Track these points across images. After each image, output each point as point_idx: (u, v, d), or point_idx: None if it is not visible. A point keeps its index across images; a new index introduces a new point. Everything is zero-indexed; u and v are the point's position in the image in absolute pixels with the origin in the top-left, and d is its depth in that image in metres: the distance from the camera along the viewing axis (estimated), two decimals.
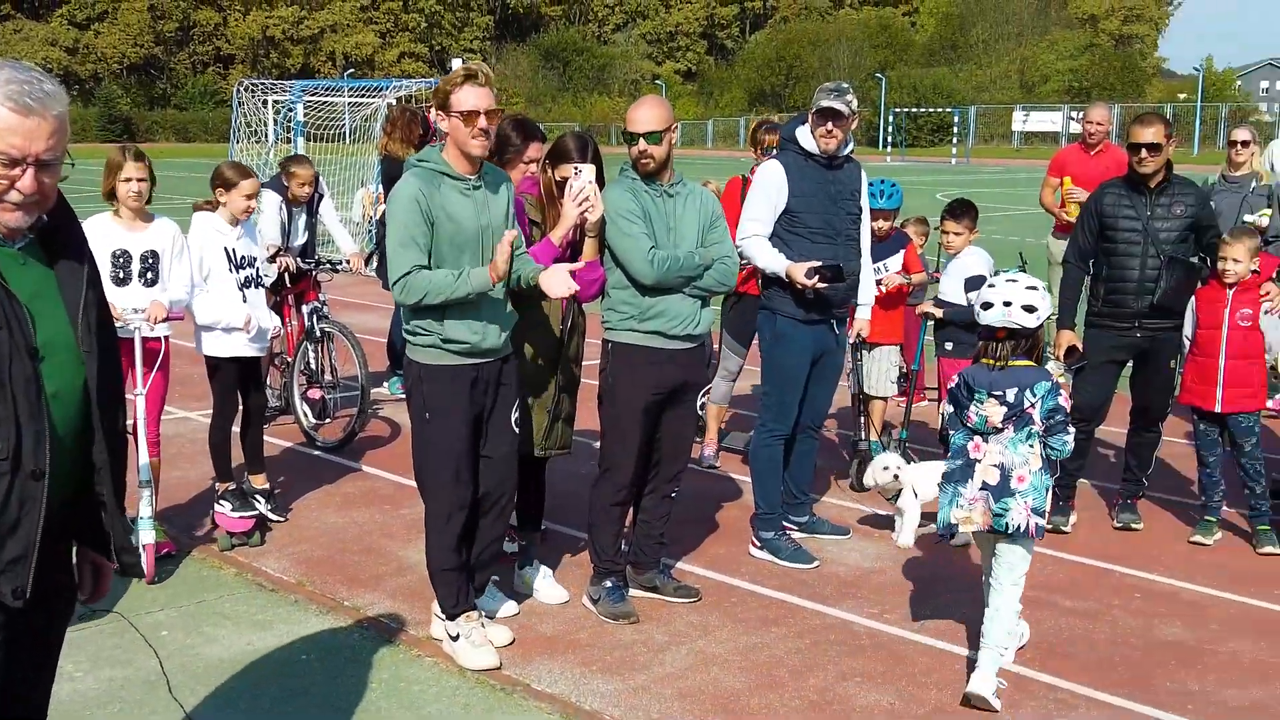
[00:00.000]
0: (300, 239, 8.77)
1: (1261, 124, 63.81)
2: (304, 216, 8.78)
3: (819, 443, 6.86)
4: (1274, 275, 6.89)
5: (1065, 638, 5.56)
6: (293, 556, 6.34)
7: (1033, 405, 4.84)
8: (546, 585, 5.86)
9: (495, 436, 5.13)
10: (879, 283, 7.45)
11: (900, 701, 4.86)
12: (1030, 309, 4.89)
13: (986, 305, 4.95)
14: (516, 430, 5.22)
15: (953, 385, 5.09)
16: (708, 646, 5.37)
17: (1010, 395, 4.86)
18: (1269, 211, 9.15)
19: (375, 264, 9.61)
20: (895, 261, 7.78)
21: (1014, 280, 4.95)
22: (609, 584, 5.68)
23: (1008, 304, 4.89)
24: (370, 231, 14.17)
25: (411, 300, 4.84)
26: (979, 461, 4.94)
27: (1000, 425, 4.87)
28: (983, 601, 5.10)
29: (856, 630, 5.59)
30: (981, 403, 4.90)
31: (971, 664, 5.11)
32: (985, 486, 4.92)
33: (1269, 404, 7.84)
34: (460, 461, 5.00)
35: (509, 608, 5.64)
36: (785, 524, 6.64)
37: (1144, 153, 6.66)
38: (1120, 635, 5.61)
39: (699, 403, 5.98)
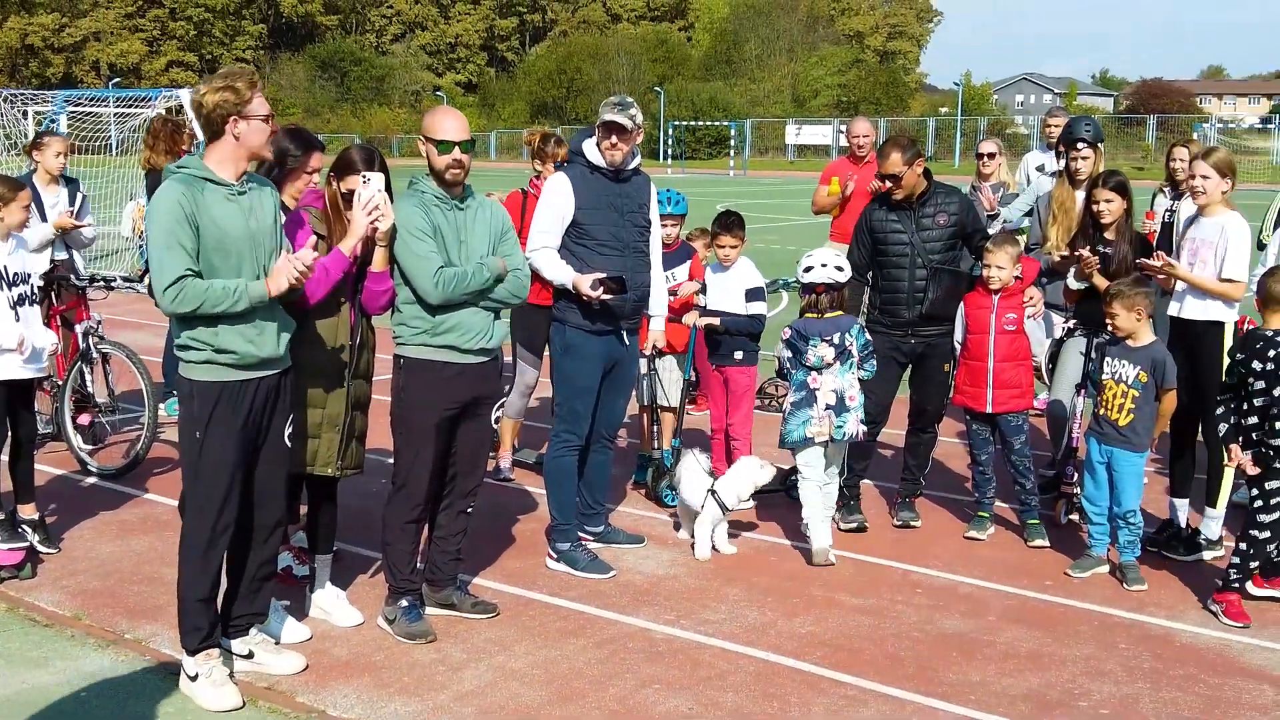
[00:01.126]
0: (61, 252, 8.48)
1: (1017, 136, 67.31)
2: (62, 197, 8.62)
3: (613, 452, 6.91)
4: (1036, 280, 7.28)
5: (852, 635, 5.74)
6: (68, 589, 6.03)
7: (851, 343, 6.73)
8: (340, 607, 5.73)
9: (268, 455, 4.99)
10: (673, 292, 7.56)
11: (699, 706, 4.94)
12: (840, 269, 6.78)
13: (808, 269, 6.75)
14: (289, 445, 5.09)
15: (787, 337, 6.82)
16: (507, 662, 5.34)
17: (835, 338, 6.72)
18: (1023, 208, 9.70)
19: (148, 282, 9.25)
20: (682, 271, 7.91)
21: (823, 250, 6.93)
22: (405, 603, 5.59)
23: (825, 265, 6.74)
24: (142, 247, 13.60)
25: (184, 309, 4.64)
26: (818, 390, 6.72)
27: (831, 361, 6.68)
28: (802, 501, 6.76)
29: (654, 637, 5.64)
30: (815, 346, 6.71)
31: (767, 665, 5.24)
32: (828, 407, 6.69)
33: (1035, 403, 8.26)
34: (231, 483, 4.83)
35: (301, 632, 5.49)
36: (581, 534, 6.67)
37: (888, 183, 7.08)
38: (904, 630, 5.83)
39: (493, 416, 5.96)
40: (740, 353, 7.57)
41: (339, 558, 6.10)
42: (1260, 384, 5.88)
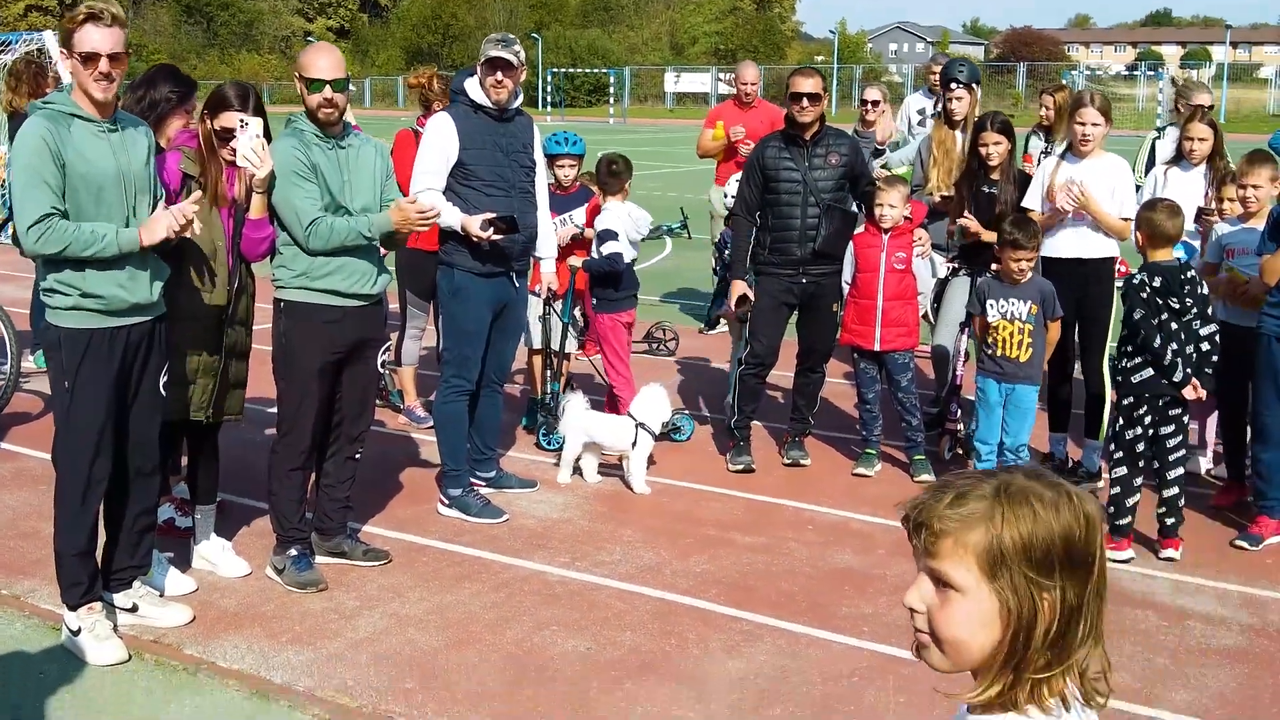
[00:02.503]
0: None
1: (892, 85, 68.01)
2: None
3: (503, 397, 6.83)
4: (923, 222, 7.35)
5: (746, 572, 5.77)
6: None
7: None
8: (226, 558, 5.59)
9: (142, 403, 4.81)
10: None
11: (597, 645, 4.92)
12: None
13: None
14: (163, 394, 4.92)
15: None
16: (401, 608, 5.27)
17: None
18: (905, 167, 9.77)
19: (11, 231, 8.87)
20: (580, 215, 7.81)
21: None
22: (294, 552, 5.47)
23: None
24: (4, 196, 13.05)
25: (50, 250, 4.42)
26: None
27: None
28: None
29: (550, 580, 5.61)
30: None
31: (663, 604, 5.26)
32: None
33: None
34: (103, 433, 4.65)
35: (186, 584, 5.35)
36: (473, 480, 6.59)
37: (805, 102, 6.97)
38: (797, 566, 5.88)
39: (379, 360, 5.84)
40: (595, 299, 7.50)
41: (223, 509, 5.94)
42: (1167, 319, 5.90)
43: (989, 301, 6.58)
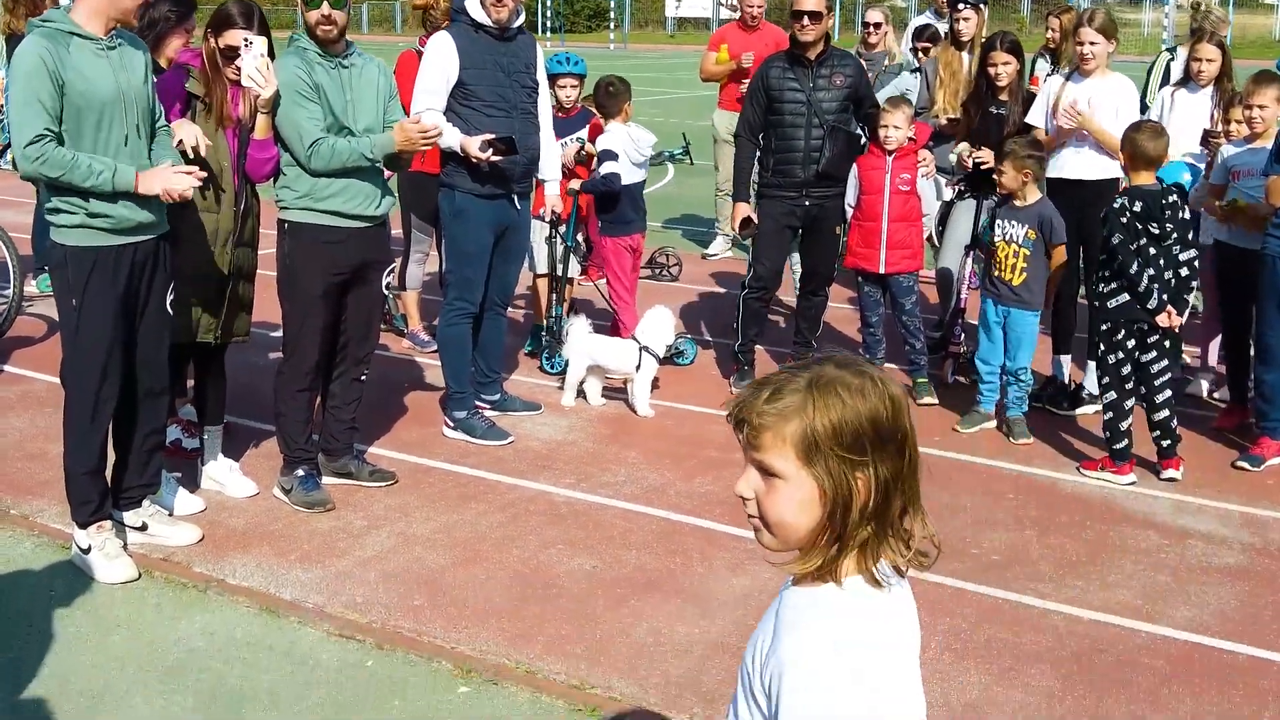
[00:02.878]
0: None
1: (895, 8, 67.24)
2: None
3: (507, 320, 6.83)
4: (928, 144, 7.30)
5: None
6: None
7: None
8: (233, 479, 5.62)
9: (149, 323, 4.81)
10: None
11: (603, 564, 4.97)
12: None
13: None
14: (170, 313, 4.93)
15: None
16: (408, 528, 5.30)
17: None
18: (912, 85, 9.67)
19: (10, 158, 8.81)
20: (582, 136, 7.75)
21: None
22: (301, 473, 5.50)
23: None
24: (4, 121, 12.95)
25: (47, 174, 4.39)
26: None
27: None
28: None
29: (555, 500, 5.65)
30: None
31: (668, 523, 5.31)
32: None
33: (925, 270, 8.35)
34: (110, 351, 4.64)
35: (195, 504, 5.38)
36: (477, 403, 6.61)
37: (806, 20, 6.90)
38: None
39: (384, 282, 5.82)
40: (599, 222, 7.48)
41: (230, 431, 5.96)
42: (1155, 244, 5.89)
43: (997, 223, 6.58)
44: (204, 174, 4.81)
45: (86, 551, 4.74)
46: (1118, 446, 5.97)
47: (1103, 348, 5.99)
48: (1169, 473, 6.00)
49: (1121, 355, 5.93)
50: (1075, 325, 7.21)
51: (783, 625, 1.74)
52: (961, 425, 6.70)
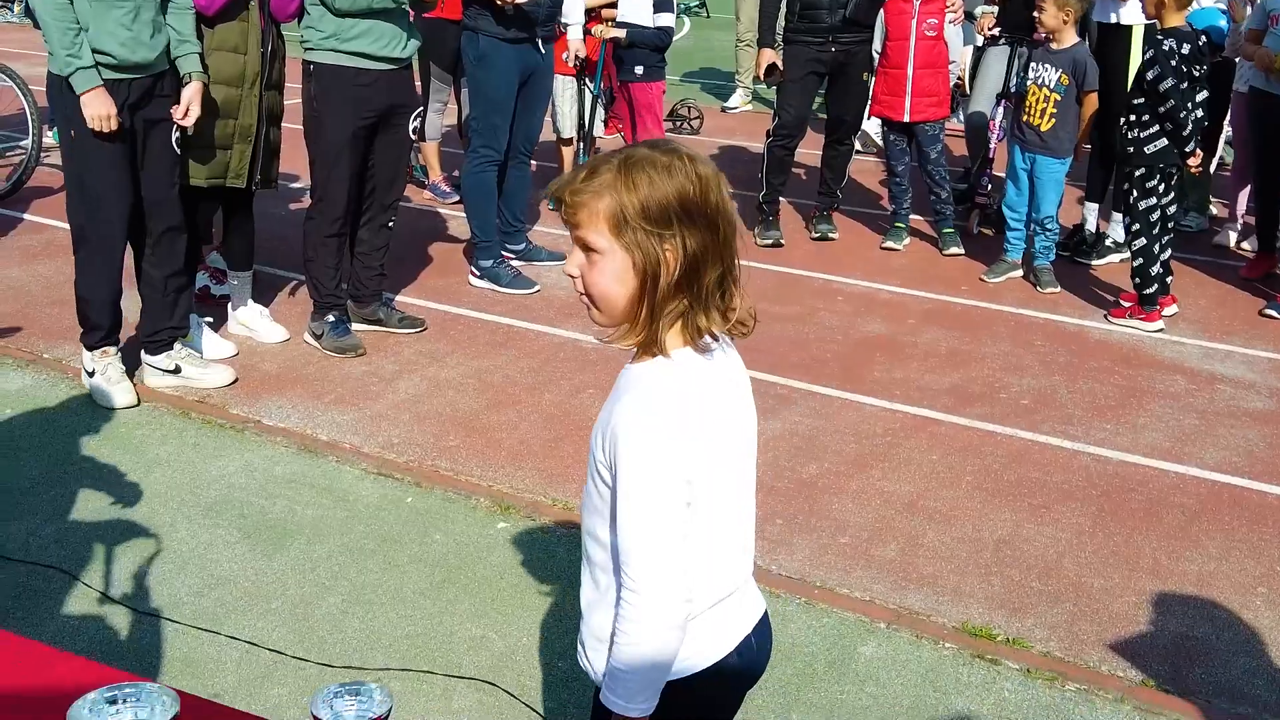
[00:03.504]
0: None
1: None
2: None
3: (531, 169, 6.77)
4: None
5: (778, 340, 5.82)
6: None
7: None
8: (264, 324, 5.63)
9: (154, 160, 4.81)
10: None
11: None
12: None
13: None
14: (177, 151, 4.90)
15: None
16: (440, 373, 5.33)
17: None
18: None
19: (23, 5, 8.69)
20: None
21: None
22: (331, 318, 5.51)
23: None
24: None
25: (41, 9, 4.48)
26: None
27: None
28: None
29: (584, 347, 5.67)
30: None
31: None
32: None
33: (953, 120, 8.24)
34: (115, 178, 4.67)
35: (226, 348, 5.41)
36: (503, 253, 6.59)
37: None
38: (828, 334, 5.93)
39: (410, 127, 5.76)
40: (640, 68, 7.37)
41: (259, 280, 5.95)
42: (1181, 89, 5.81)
43: (1030, 65, 6.47)
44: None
45: (91, 375, 4.85)
46: (1148, 292, 5.95)
47: (1135, 194, 5.93)
48: (1169, 309, 6.07)
49: (1154, 201, 5.88)
50: (1109, 175, 7.12)
51: (616, 395, 1.85)
52: (988, 275, 6.68)
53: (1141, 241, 5.93)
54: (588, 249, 1.82)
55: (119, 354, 4.94)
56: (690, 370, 1.84)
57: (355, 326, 5.64)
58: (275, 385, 5.16)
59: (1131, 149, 5.93)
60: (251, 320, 5.62)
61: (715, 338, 1.88)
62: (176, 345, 5.09)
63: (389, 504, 4.21)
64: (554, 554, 3.91)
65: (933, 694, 3.27)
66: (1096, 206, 7.14)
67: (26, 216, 7.42)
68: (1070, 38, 6.39)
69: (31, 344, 5.48)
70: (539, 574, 3.79)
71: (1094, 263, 6.94)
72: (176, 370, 5.05)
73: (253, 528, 4.01)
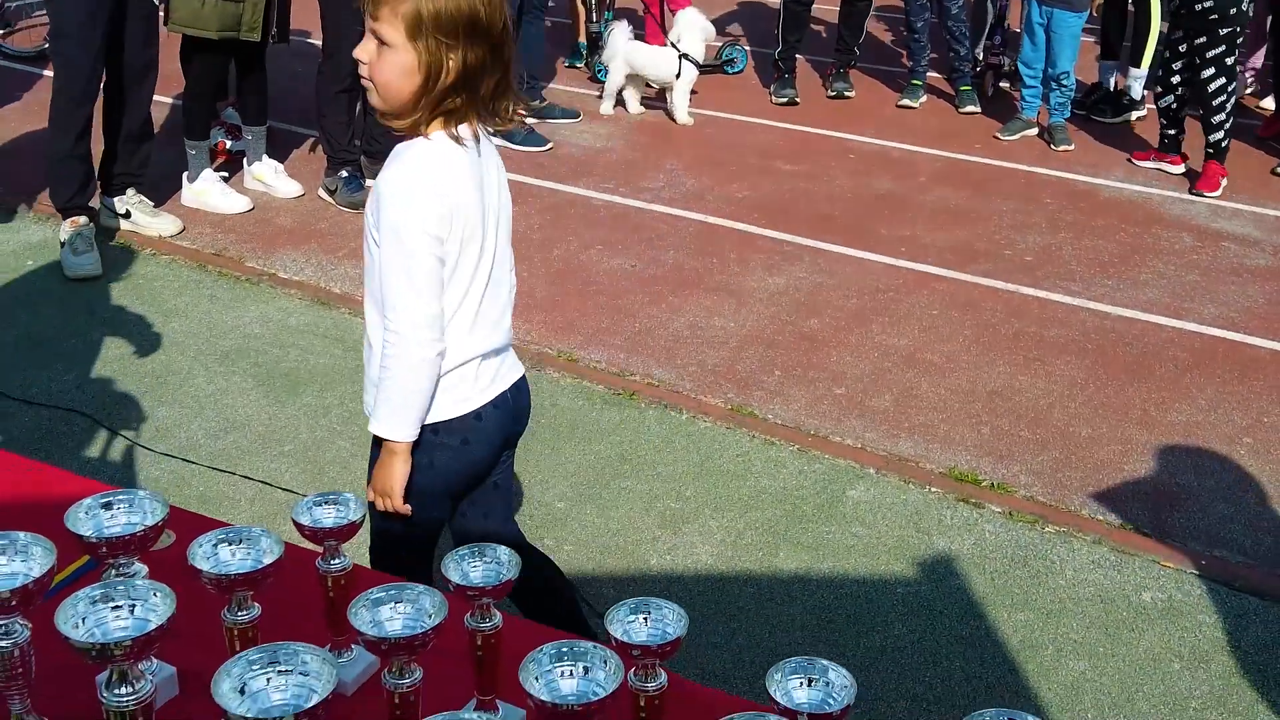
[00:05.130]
0: None
1: None
2: None
3: (545, 27, 6.74)
4: None
5: (787, 197, 5.86)
6: (1, 170, 5.94)
7: None
8: (279, 179, 5.71)
9: (135, 8, 4.89)
10: None
11: (641, 263, 5.08)
12: None
13: None
14: (157, 3, 4.99)
15: None
16: None
17: None
18: None
19: None
20: None
21: None
22: (345, 174, 5.58)
23: None
24: None
25: None
26: None
27: None
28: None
29: (594, 204, 5.72)
30: None
31: (705, 226, 5.39)
32: None
33: None
34: (94, 35, 4.75)
35: (242, 203, 5.49)
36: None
37: None
38: (837, 192, 5.96)
39: None
40: None
41: (274, 135, 6.01)
42: None
43: None
44: None
45: (62, 245, 4.92)
46: (1177, 135, 6.02)
47: (1184, 48, 5.85)
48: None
49: (1185, 48, 5.83)
50: (1126, 31, 7.04)
51: (385, 172, 2.08)
52: (1003, 132, 6.67)
53: (1169, 100, 5.94)
54: (381, 41, 2.01)
55: (88, 223, 5.00)
56: (446, 150, 2.07)
57: (368, 182, 5.70)
58: (290, 239, 5.25)
59: (1184, 10, 5.75)
60: (267, 176, 5.69)
61: (477, 136, 2.12)
62: (130, 191, 5.20)
63: None
64: (557, 403, 4.03)
65: (916, 534, 3.40)
66: (1115, 64, 7.07)
67: (48, 72, 7.46)
68: None
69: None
70: (542, 421, 3.91)
71: (1109, 120, 6.90)
72: (127, 215, 5.18)
73: (267, 375, 4.14)
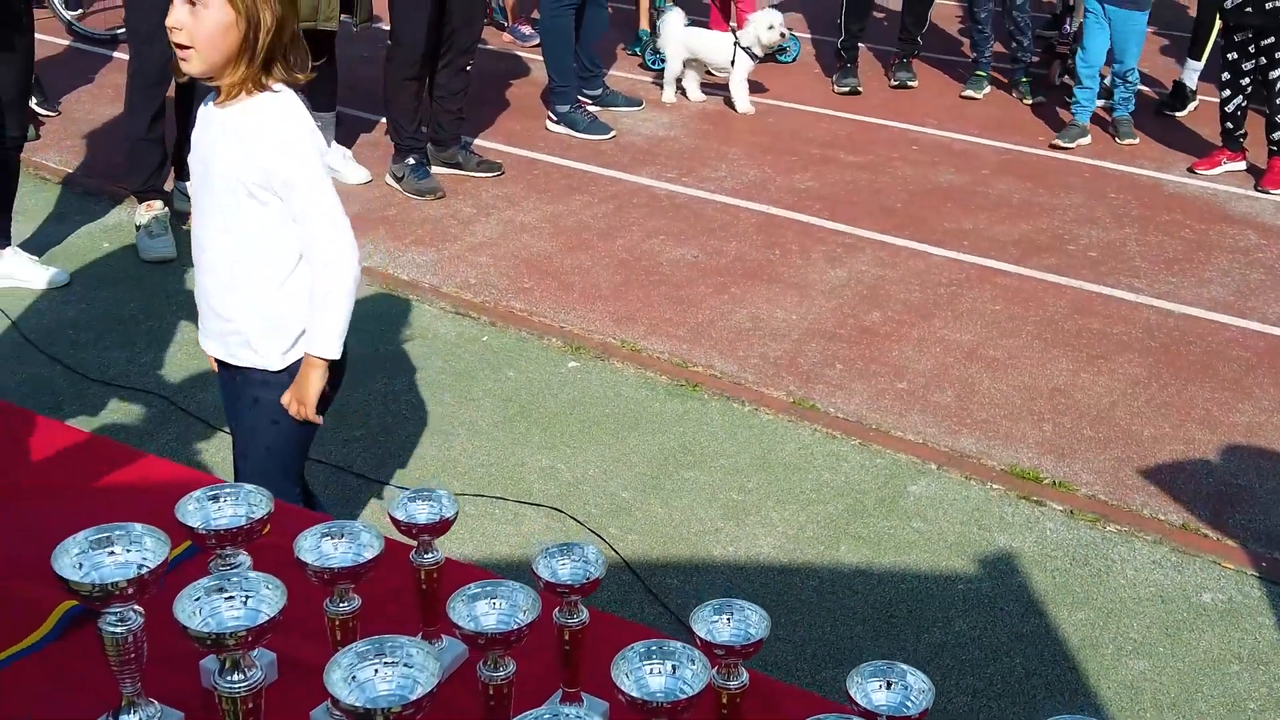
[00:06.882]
0: None
1: None
2: None
3: (608, 13, 6.79)
4: None
5: (849, 189, 5.87)
6: (72, 150, 6.05)
7: None
8: (347, 166, 5.81)
9: None
10: None
11: (704, 254, 5.12)
12: None
13: None
14: None
15: None
16: (516, 216, 5.48)
17: None
18: None
19: None
20: None
21: None
22: (411, 161, 5.66)
23: None
24: None
25: None
26: None
27: None
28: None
29: (657, 194, 5.77)
30: None
31: (767, 217, 5.42)
32: None
33: None
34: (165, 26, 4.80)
35: None
36: (579, 98, 6.66)
37: None
38: (899, 183, 5.97)
39: None
40: None
41: (341, 122, 6.10)
42: None
43: None
44: None
45: (138, 229, 5.03)
46: (1241, 134, 5.97)
47: (1252, 48, 5.79)
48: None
49: (1255, 48, 5.78)
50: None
51: (251, 132, 2.28)
52: (1060, 139, 6.60)
53: (1227, 93, 5.89)
54: (192, 3, 2.20)
55: (163, 207, 5.10)
56: (294, 96, 2.33)
57: (435, 169, 5.78)
58: (357, 226, 5.24)
59: (1250, 8, 5.69)
60: (335, 162, 5.78)
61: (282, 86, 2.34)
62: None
63: (466, 341, 4.40)
64: (621, 393, 4.09)
65: (976, 531, 3.43)
66: (1199, 65, 6.95)
67: (120, 55, 7.59)
68: None
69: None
70: (606, 411, 3.98)
71: (1176, 115, 6.86)
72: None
73: None
